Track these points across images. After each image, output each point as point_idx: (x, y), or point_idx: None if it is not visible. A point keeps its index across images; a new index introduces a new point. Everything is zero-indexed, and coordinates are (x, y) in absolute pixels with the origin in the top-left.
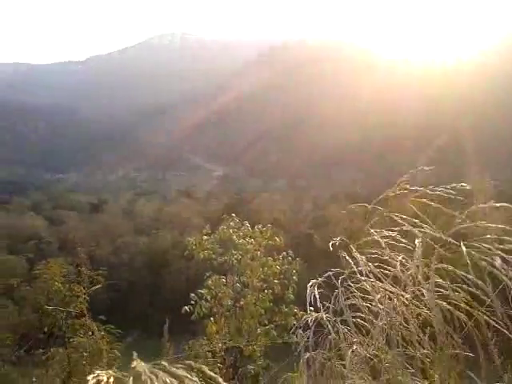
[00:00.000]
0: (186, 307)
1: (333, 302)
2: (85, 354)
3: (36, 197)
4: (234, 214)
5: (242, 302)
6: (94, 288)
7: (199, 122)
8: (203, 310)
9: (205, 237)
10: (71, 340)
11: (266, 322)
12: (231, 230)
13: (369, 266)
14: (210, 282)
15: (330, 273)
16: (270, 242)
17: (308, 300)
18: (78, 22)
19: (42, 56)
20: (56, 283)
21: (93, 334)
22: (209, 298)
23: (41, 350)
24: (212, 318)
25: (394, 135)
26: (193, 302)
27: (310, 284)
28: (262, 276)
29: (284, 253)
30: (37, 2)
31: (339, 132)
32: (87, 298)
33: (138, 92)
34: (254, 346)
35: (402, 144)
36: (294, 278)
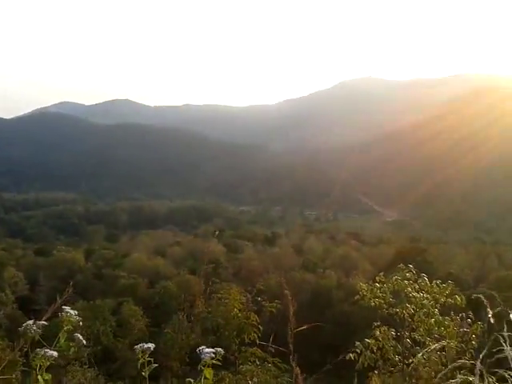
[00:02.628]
0: (351, 355)
1: None
2: (250, 382)
3: (220, 225)
4: (410, 265)
5: (410, 360)
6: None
7: (378, 163)
8: (367, 360)
9: (377, 284)
10: (241, 367)
11: None
12: (406, 282)
13: None
14: (377, 332)
15: None
16: (449, 299)
17: None
18: (272, 69)
19: (238, 99)
20: (235, 309)
21: (261, 364)
22: (374, 349)
23: None
24: (376, 371)
25: None
26: (358, 351)
27: None
28: (437, 336)
29: (463, 314)
30: (230, 53)
31: None
32: (260, 328)
33: (321, 133)
34: None
35: None
36: (473, 343)
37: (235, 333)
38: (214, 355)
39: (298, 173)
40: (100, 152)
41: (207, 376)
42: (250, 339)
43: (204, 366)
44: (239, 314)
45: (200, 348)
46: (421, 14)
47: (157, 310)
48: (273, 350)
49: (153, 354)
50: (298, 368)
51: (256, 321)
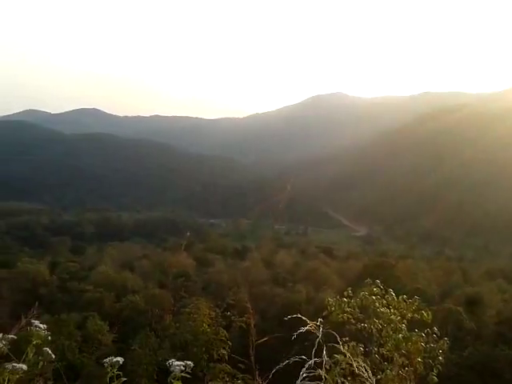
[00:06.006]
0: (320, 371)
1: None
2: None
3: (190, 238)
4: (378, 280)
5: (379, 376)
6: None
7: (347, 179)
8: (337, 376)
9: (345, 299)
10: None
11: None
12: (374, 297)
13: None
14: (345, 348)
15: None
16: (415, 315)
17: None
18: (243, 83)
19: (208, 112)
20: (204, 324)
21: (231, 381)
22: (343, 364)
23: None
24: None
25: None
26: (327, 367)
27: None
28: (404, 351)
29: (428, 329)
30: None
31: (498, 196)
32: (229, 343)
33: (290, 147)
34: None
35: None
36: (440, 358)
37: (204, 349)
38: (183, 368)
39: (267, 186)
40: (65, 162)
41: None
42: (219, 355)
43: (174, 379)
44: (208, 330)
45: (170, 361)
46: (389, 34)
47: (124, 325)
48: (242, 366)
49: (120, 370)
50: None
51: (225, 336)
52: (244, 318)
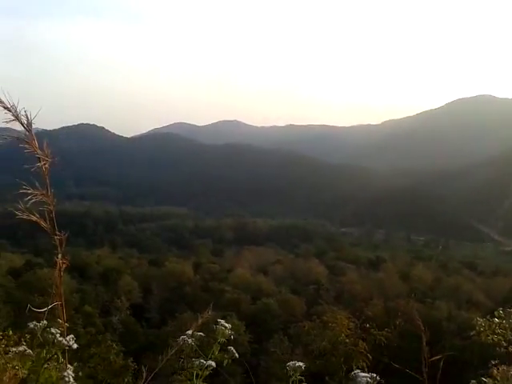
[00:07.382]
0: None
1: None
2: None
3: (321, 246)
4: None
5: None
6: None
7: (497, 188)
8: None
9: (496, 320)
10: None
11: None
12: None
13: None
14: (495, 371)
15: None
16: None
17: None
18: (378, 89)
19: (342, 119)
20: (343, 334)
21: None
22: None
23: None
24: None
25: None
26: None
27: None
28: None
29: None
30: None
31: None
32: (369, 356)
33: (429, 154)
34: None
35: None
36: None
37: (342, 359)
38: (369, 380)
39: (402, 195)
40: (207, 170)
41: None
42: (357, 367)
43: None
44: (347, 340)
45: (355, 371)
46: None
47: (258, 327)
48: (383, 381)
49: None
50: None
51: (365, 349)
52: (384, 332)
